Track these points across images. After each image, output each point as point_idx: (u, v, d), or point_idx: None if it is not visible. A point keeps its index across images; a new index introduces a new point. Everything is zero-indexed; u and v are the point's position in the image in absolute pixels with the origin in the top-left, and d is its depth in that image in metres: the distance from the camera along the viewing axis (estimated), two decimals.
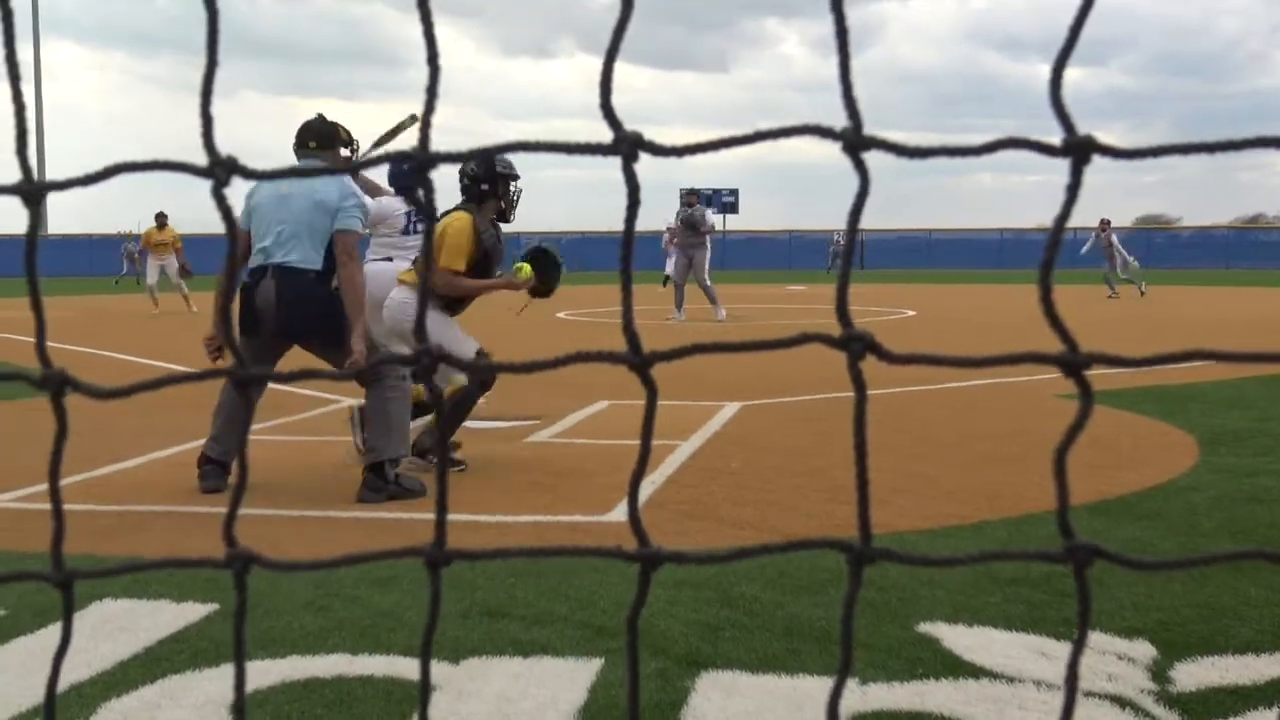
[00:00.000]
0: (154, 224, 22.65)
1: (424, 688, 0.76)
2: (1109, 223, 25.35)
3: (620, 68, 0.71)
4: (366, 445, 5.77)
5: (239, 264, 5.93)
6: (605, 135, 0.71)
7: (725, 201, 52.66)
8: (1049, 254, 0.66)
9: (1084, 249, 25.43)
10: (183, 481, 5.94)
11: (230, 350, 0.74)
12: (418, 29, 0.70)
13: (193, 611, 3.84)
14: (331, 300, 5.78)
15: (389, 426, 5.70)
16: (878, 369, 0.77)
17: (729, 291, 22.26)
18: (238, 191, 6.21)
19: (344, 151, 6.17)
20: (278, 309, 5.69)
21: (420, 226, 7.23)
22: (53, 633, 3.64)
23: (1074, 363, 0.66)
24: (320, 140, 6.05)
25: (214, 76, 0.63)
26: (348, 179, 5.89)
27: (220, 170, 0.63)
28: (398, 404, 5.74)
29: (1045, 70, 0.68)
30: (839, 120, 0.70)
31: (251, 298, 5.75)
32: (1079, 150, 0.65)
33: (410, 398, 5.87)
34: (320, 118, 6.14)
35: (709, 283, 17.80)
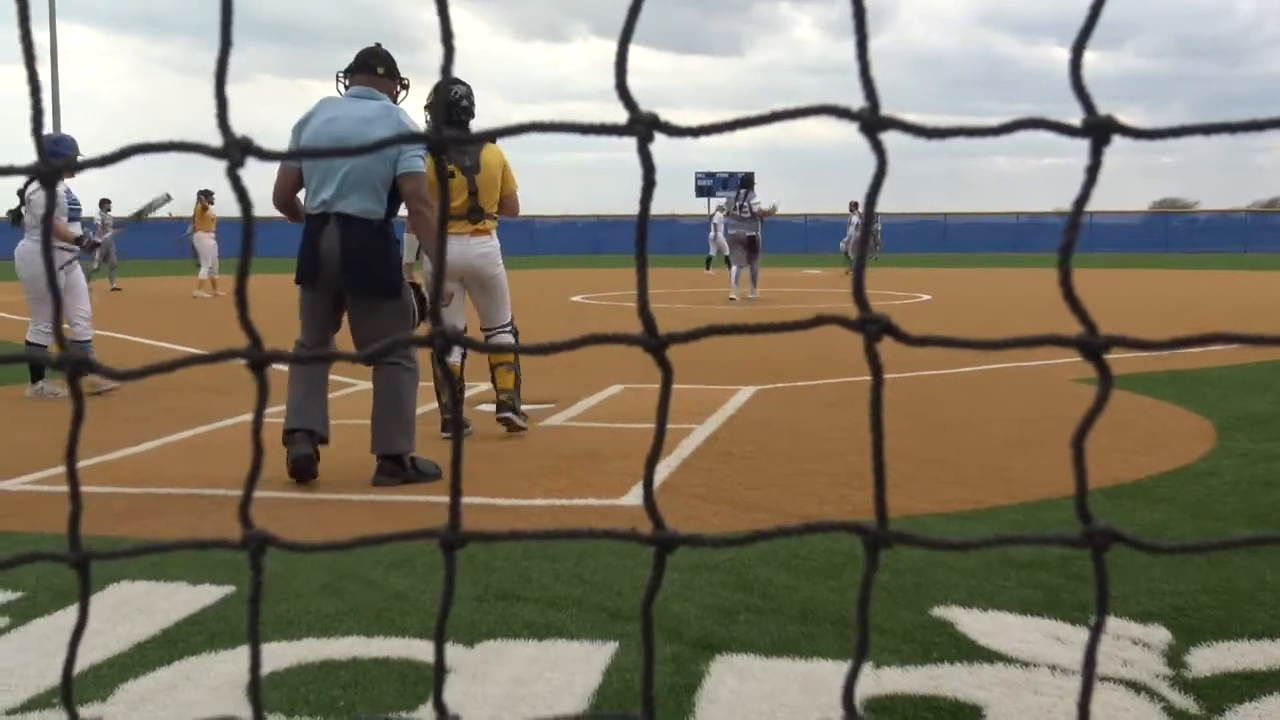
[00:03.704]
0: (203, 201, 22.45)
1: (438, 669, 0.76)
2: (857, 205, 27.90)
3: (634, 50, 0.70)
4: (378, 433, 5.70)
5: (297, 206, 5.87)
6: (620, 117, 0.70)
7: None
8: (1069, 236, 0.66)
9: (846, 240, 28.35)
10: (198, 464, 5.96)
11: (246, 332, 0.74)
12: (429, 11, 0.70)
13: (209, 594, 3.85)
14: (391, 253, 5.75)
15: (402, 416, 5.67)
16: (893, 352, 0.77)
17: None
18: (251, 174, 6.19)
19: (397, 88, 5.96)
20: (342, 257, 5.61)
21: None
22: (70, 614, 3.66)
23: (1093, 345, 0.66)
24: (388, 67, 5.86)
25: (228, 58, 0.63)
26: (403, 118, 5.72)
27: (235, 151, 0.63)
28: (409, 390, 5.72)
29: (1059, 54, 0.68)
30: (853, 104, 0.70)
31: (316, 244, 5.65)
32: (1099, 130, 0.65)
33: (417, 379, 5.85)
34: (379, 45, 5.93)
35: (731, 265, 19.62)
